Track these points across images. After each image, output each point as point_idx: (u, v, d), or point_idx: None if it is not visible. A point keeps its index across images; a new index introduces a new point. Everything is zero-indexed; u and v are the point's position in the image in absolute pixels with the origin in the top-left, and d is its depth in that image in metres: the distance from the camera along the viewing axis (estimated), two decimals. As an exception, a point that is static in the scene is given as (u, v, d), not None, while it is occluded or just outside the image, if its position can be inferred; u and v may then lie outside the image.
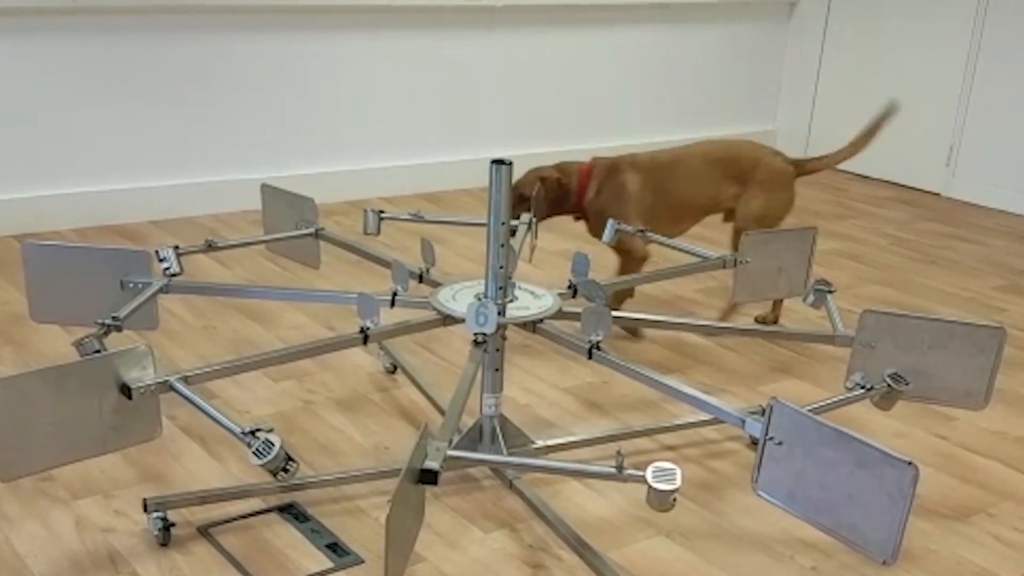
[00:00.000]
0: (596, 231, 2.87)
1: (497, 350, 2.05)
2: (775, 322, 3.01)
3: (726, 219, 3.00)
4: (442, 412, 2.37)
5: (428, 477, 1.53)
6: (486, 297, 2.04)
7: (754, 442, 2.23)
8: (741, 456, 2.31)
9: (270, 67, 3.95)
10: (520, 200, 2.81)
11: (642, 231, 2.70)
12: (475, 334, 1.93)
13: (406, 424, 2.39)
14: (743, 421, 1.71)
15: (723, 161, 2.93)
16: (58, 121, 3.62)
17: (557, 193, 2.85)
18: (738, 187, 2.92)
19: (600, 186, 2.87)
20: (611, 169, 2.89)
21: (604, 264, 3.47)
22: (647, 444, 2.34)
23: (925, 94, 4.81)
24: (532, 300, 2.11)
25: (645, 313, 2.87)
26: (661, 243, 2.73)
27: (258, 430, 1.69)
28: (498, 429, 2.08)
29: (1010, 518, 2.13)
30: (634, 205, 2.85)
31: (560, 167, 2.91)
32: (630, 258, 2.89)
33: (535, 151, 4.65)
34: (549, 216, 2.91)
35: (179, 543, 1.90)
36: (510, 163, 1.95)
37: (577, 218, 2.94)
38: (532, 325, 2.04)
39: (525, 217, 2.51)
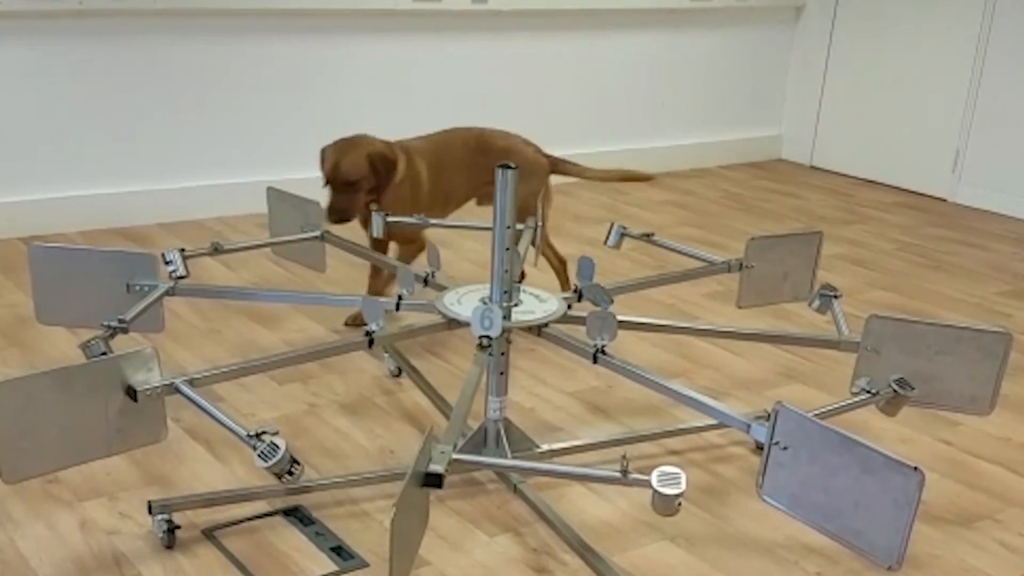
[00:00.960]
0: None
1: (502, 354, 2.05)
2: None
3: (480, 203, 3.02)
4: (447, 416, 2.37)
5: (433, 481, 1.54)
6: (491, 301, 2.04)
7: (759, 447, 2.23)
8: (746, 461, 2.31)
9: (276, 70, 3.95)
10: (346, 185, 2.63)
11: (644, 236, 2.69)
12: (480, 338, 1.94)
13: (411, 427, 2.39)
14: (748, 426, 1.71)
15: (479, 150, 2.92)
16: (64, 123, 3.63)
17: (386, 170, 2.65)
18: (492, 175, 2.91)
19: (403, 172, 2.76)
20: (407, 155, 2.79)
21: (611, 268, 3.47)
22: (652, 448, 2.34)
23: (931, 99, 4.80)
24: (537, 304, 2.11)
25: (650, 317, 2.87)
26: (666, 247, 2.72)
27: (263, 433, 1.70)
28: (503, 433, 2.08)
29: (1015, 524, 2.13)
30: (423, 194, 2.82)
31: (380, 144, 2.71)
32: (411, 245, 2.83)
33: (540, 155, 4.65)
34: (372, 195, 2.69)
35: (184, 546, 1.90)
36: (515, 167, 1.95)
37: (367, 203, 2.71)
38: (537, 329, 2.04)
39: (531, 221, 2.51)
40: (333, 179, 2.65)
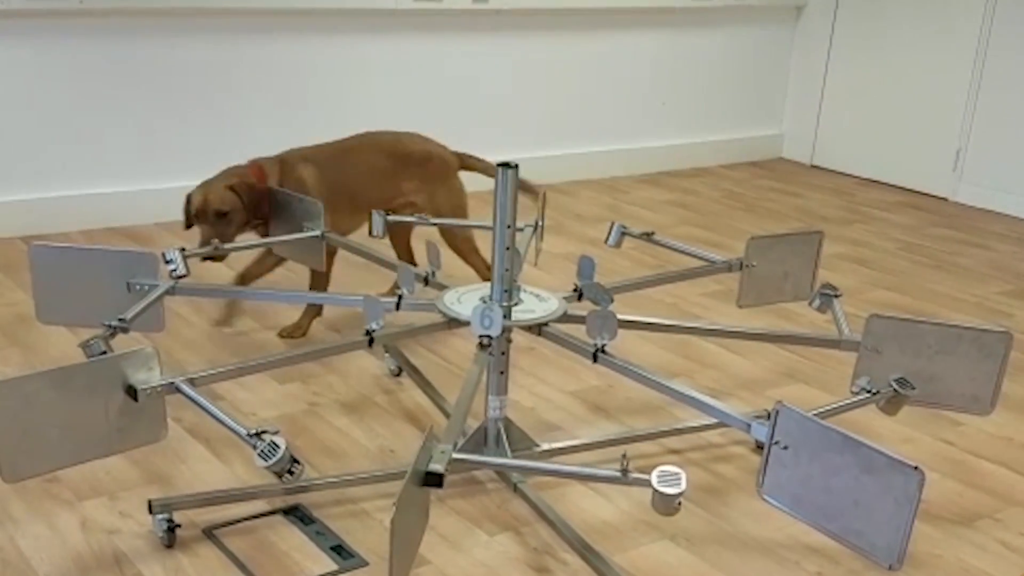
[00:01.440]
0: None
1: (502, 353, 2.05)
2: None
3: (395, 212, 2.87)
4: (447, 415, 2.37)
5: (433, 480, 1.53)
6: (491, 300, 2.04)
7: (760, 446, 2.23)
8: (746, 460, 2.30)
9: (276, 70, 3.95)
10: (218, 217, 2.61)
11: (644, 235, 2.68)
12: (480, 337, 1.93)
13: (411, 427, 2.39)
14: (749, 425, 1.71)
15: (397, 155, 2.87)
16: (65, 123, 3.63)
17: (254, 198, 2.64)
18: (416, 182, 2.88)
19: (280, 185, 2.71)
20: (284, 165, 2.74)
21: (611, 268, 3.47)
22: (652, 448, 2.34)
23: (932, 98, 4.80)
24: (537, 303, 2.11)
25: (650, 316, 2.87)
26: (667, 246, 2.72)
27: (263, 432, 1.69)
28: (503, 432, 2.08)
29: (1016, 523, 2.13)
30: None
31: (236, 173, 2.69)
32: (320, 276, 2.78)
33: (540, 154, 4.66)
34: (245, 227, 2.69)
35: (184, 545, 1.90)
36: (516, 166, 1.95)
37: (255, 226, 2.73)
38: (537, 328, 2.04)
39: (529, 219, 2.50)
40: (203, 212, 2.62)
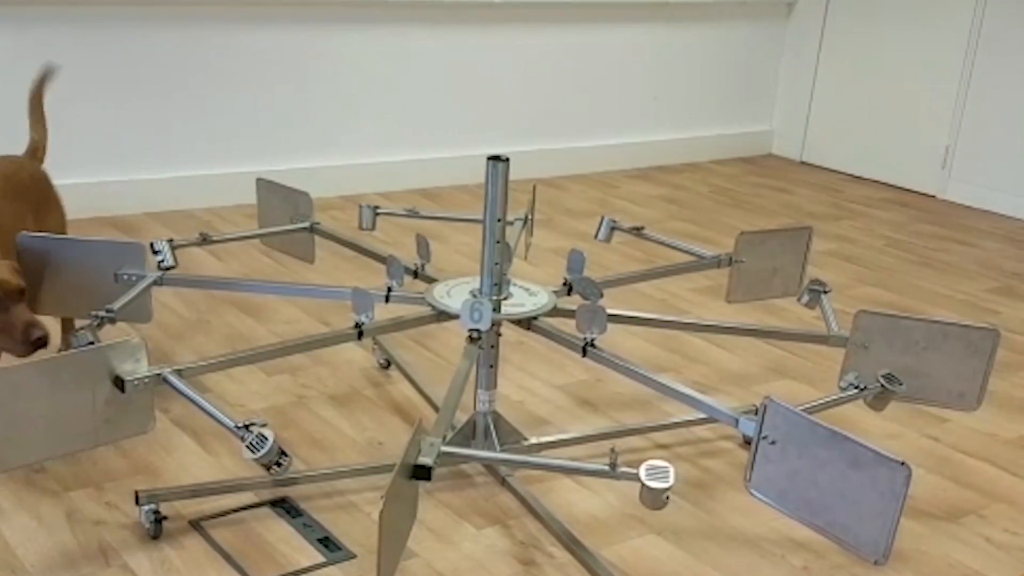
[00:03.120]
0: None
1: (491, 347, 2.05)
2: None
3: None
4: (436, 408, 2.37)
5: (421, 473, 1.54)
6: (481, 293, 2.04)
7: (747, 441, 2.23)
8: (734, 455, 2.31)
9: (267, 60, 3.94)
10: None
11: (634, 230, 2.69)
12: (469, 330, 1.93)
13: (400, 420, 2.39)
14: (737, 420, 1.71)
15: (8, 182, 2.35)
16: (52, 112, 3.61)
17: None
18: (28, 207, 2.38)
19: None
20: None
21: (600, 263, 3.47)
22: (640, 442, 2.34)
23: (921, 96, 4.81)
24: (527, 297, 2.11)
25: (639, 311, 2.88)
26: (656, 241, 2.73)
27: (251, 424, 1.69)
28: (492, 426, 2.08)
29: (1001, 520, 2.14)
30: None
31: None
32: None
33: (531, 148, 4.66)
34: None
35: (171, 536, 1.90)
36: (506, 159, 1.95)
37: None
38: (527, 322, 2.04)
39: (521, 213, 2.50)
40: None
